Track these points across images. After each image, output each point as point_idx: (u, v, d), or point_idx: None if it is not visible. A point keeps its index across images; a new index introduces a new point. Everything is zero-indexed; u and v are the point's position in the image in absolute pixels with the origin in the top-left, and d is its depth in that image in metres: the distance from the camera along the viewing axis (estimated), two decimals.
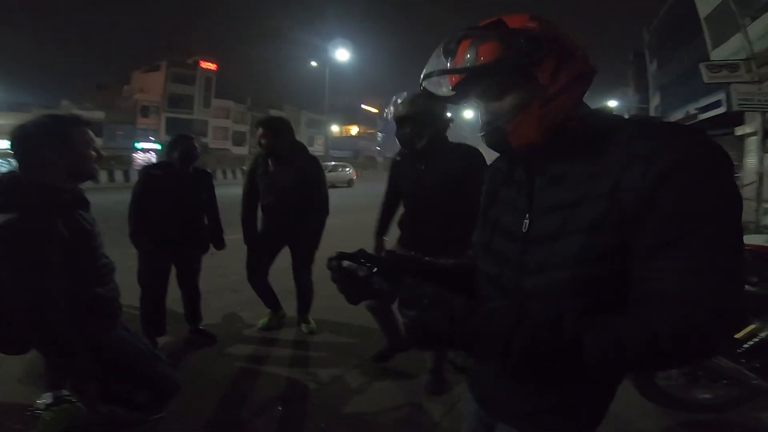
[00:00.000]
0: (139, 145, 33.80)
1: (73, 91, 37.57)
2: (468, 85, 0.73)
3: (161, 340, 2.77)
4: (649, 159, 0.65)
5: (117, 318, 1.63)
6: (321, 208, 2.93)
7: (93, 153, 1.52)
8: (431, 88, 0.77)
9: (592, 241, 0.68)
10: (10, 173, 1.43)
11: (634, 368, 0.71)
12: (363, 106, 52.90)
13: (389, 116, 2.14)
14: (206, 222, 2.88)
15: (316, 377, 2.45)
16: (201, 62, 39.00)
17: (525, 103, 0.71)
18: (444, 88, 0.75)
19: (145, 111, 36.21)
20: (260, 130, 2.84)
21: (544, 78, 0.69)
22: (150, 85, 37.29)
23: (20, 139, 1.43)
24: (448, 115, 2.16)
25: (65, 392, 1.52)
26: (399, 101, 2.11)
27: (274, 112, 34.46)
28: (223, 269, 4.45)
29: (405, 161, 2.27)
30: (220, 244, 2.95)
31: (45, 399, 1.57)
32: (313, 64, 26.87)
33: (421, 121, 2.06)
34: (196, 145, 2.81)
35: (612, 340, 0.63)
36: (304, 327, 3.08)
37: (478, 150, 2.09)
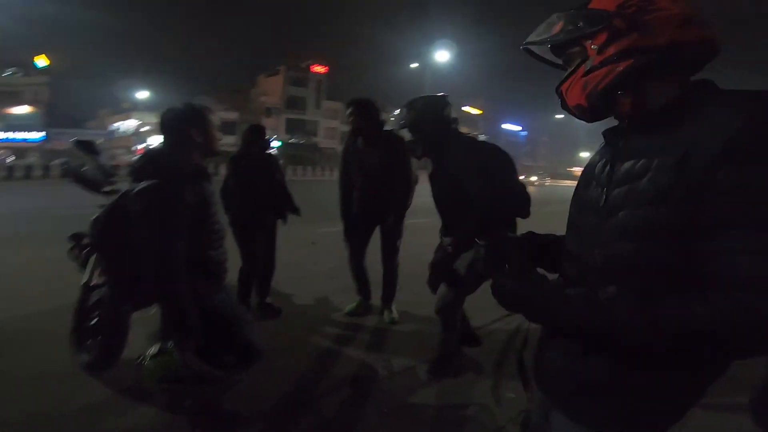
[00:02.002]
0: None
1: (213, 94, 43.51)
2: (555, 52, 0.88)
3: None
4: (718, 128, 0.65)
5: (223, 280, 1.90)
6: (405, 191, 3.05)
7: (217, 134, 1.85)
8: (536, 51, 0.91)
9: (653, 214, 0.69)
10: (155, 148, 1.78)
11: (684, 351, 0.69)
12: (464, 107, 51.84)
13: (397, 126, 2.26)
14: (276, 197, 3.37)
15: (389, 365, 2.57)
16: (313, 66, 42.25)
17: (574, 69, 0.82)
18: (545, 52, 0.91)
19: (268, 112, 40.52)
20: (349, 110, 3.03)
21: (593, 50, 0.78)
22: (272, 89, 41.64)
23: (167, 120, 1.77)
24: (447, 111, 2.16)
25: (169, 345, 1.70)
26: (392, 118, 2.20)
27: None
28: (322, 257, 4.90)
29: (434, 171, 2.29)
30: (296, 211, 3.42)
31: (152, 350, 1.76)
32: (414, 65, 27.17)
33: (416, 130, 2.15)
34: (267, 134, 3.46)
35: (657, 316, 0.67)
36: (386, 315, 3.23)
37: (486, 143, 2.23)
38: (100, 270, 2.21)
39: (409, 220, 3.00)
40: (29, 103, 33.39)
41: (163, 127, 1.79)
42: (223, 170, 3.62)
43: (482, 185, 2.04)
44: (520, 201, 2.15)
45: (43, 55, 35.10)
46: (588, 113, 0.83)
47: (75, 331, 2.37)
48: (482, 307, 2.51)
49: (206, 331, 1.74)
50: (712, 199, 0.64)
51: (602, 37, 0.76)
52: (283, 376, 2.37)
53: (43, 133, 32.90)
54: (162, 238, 1.61)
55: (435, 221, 2.43)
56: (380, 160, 3.00)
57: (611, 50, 0.75)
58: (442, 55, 23.44)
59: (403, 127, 2.20)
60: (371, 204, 3.11)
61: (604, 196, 0.79)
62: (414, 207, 3.15)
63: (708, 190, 0.64)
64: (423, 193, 3.04)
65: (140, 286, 1.69)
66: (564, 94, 0.85)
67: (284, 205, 3.39)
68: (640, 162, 0.74)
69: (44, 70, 35.15)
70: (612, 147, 0.84)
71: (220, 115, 34.72)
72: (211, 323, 1.78)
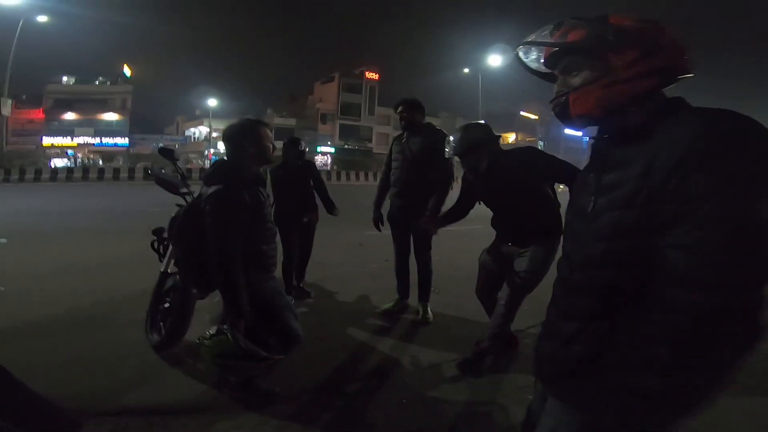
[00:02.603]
0: (320, 149, 39.43)
1: (275, 101, 45.90)
2: (555, 57, 0.91)
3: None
4: (675, 145, 0.74)
5: (272, 271, 2.17)
6: (443, 182, 3.19)
7: (270, 145, 2.13)
8: (521, 54, 0.98)
9: (623, 217, 0.80)
10: (219, 159, 2.12)
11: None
12: (522, 112, 50.25)
13: (451, 155, 2.52)
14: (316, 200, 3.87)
15: (416, 360, 2.70)
16: (366, 72, 42.98)
17: (591, 81, 0.85)
18: (533, 56, 0.97)
19: (323, 118, 41.92)
20: (399, 108, 3.30)
21: (618, 64, 0.82)
22: (327, 95, 42.89)
23: (227, 134, 2.11)
24: (493, 135, 2.51)
25: (225, 327, 1.93)
26: (451, 141, 2.50)
27: (429, 119, 35.51)
28: (368, 259, 5.18)
29: (477, 180, 2.58)
30: (334, 211, 3.89)
31: (210, 330, 1.96)
32: (466, 70, 26.90)
33: (475, 151, 2.44)
34: (303, 143, 3.92)
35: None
36: (420, 313, 3.33)
37: (528, 147, 2.58)
38: (175, 260, 2.58)
39: (456, 227, 3.07)
40: (116, 111, 37.20)
41: (225, 140, 2.11)
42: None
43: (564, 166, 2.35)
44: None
45: (126, 65, 38.91)
46: (589, 122, 0.89)
47: (150, 313, 2.76)
48: (524, 311, 2.57)
49: (255, 316, 2.01)
50: (664, 201, 0.74)
51: (631, 55, 0.81)
52: (316, 363, 2.59)
53: (127, 140, 36.57)
54: (224, 235, 1.91)
55: (471, 229, 2.50)
56: (422, 145, 3.20)
57: (639, 68, 0.81)
58: (494, 60, 23.07)
59: (461, 154, 2.46)
60: (405, 190, 3.28)
61: (592, 204, 0.88)
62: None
63: (663, 195, 0.74)
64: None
65: (206, 275, 1.99)
66: (570, 102, 0.88)
67: (325, 207, 3.89)
68: (619, 173, 0.83)
69: (128, 79, 38.92)
70: (599, 157, 0.91)
71: (277, 122, 36.71)
72: (260, 309, 2.05)
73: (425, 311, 3.36)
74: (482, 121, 2.66)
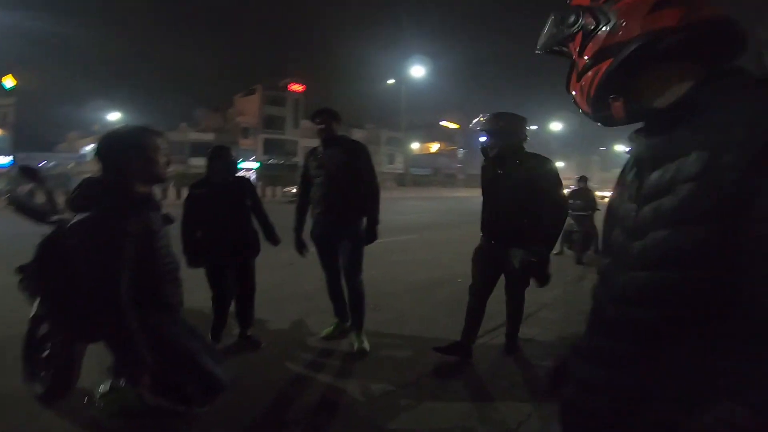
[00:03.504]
0: (243, 164, 37.51)
1: (191, 115, 42.95)
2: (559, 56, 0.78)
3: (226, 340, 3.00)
4: (751, 128, 0.52)
5: (177, 312, 1.76)
6: (373, 195, 2.96)
7: (162, 159, 1.69)
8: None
9: (676, 237, 0.57)
10: (91, 177, 1.64)
11: None
12: (442, 122, 52.83)
13: (476, 128, 2.69)
14: (255, 225, 3.08)
15: (368, 390, 2.44)
16: (290, 85, 42.25)
17: (570, 75, 0.75)
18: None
19: (245, 132, 40.19)
20: (318, 118, 3.01)
21: (575, 53, 0.71)
22: (249, 109, 41.38)
23: (102, 147, 1.64)
24: (524, 131, 2.72)
25: (122, 381, 1.62)
26: (482, 119, 2.69)
27: (354, 131, 35.89)
28: (300, 278, 4.74)
29: (488, 166, 2.77)
30: (275, 241, 3.14)
31: (102, 387, 1.69)
32: (390, 81, 27.70)
33: (496, 135, 2.65)
34: (233, 154, 3.05)
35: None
36: (355, 345, 2.94)
37: (542, 156, 2.70)
38: (40, 303, 2.07)
39: (390, 238, 2.90)
40: None
41: (99, 154, 1.64)
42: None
43: (557, 193, 2.58)
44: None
45: (10, 75, 34.00)
46: (598, 120, 0.75)
47: (26, 363, 2.24)
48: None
49: (164, 365, 1.63)
50: (749, 214, 0.50)
51: (578, 40, 0.69)
52: (255, 403, 2.24)
53: (10, 158, 31.72)
54: (102, 273, 1.48)
55: (407, 239, 2.36)
56: (346, 158, 2.94)
57: (589, 50, 0.68)
58: (417, 71, 24.02)
59: (489, 131, 2.66)
60: (333, 207, 2.95)
61: (635, 213, 0.67)
62: (395, 225, 3.06)
63: (743, 203, 0.50)
64: (407, 211, 2.98)
65: (84, 321, 1.55)
66: (575, 101, 0.77)
67: (265, 234, 3.12)
68: (663, 173, 0.62)
69: (11, 91, 34.03)
70: (637, 153, 0.72)
71: (193, 137, 34.32)
72: (170, 356, 1.66)
73: (360, 341, 2.96)
74: (521, 116, 2.74)
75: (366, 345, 2.96)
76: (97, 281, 1.47)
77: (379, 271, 4.07)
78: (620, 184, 0.77)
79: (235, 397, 2.15)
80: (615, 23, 0.65)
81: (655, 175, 0.64)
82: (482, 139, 2.72)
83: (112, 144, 1.65)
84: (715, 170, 0.53)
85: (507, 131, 2.64)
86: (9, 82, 33.17)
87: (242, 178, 3.18)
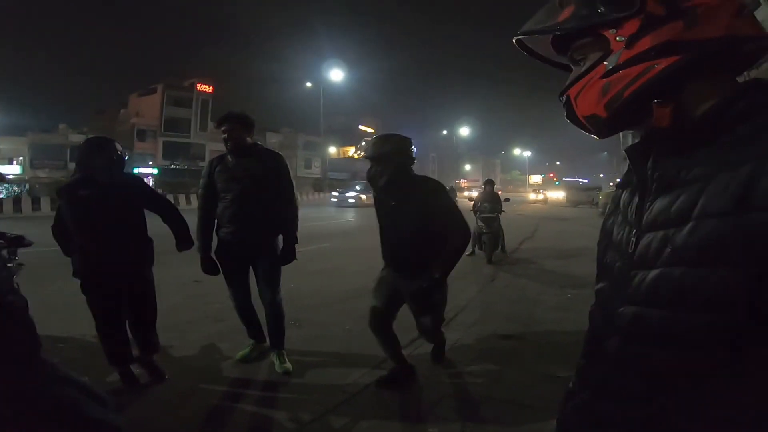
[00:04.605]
0: (137, 170, 33.72)
1: (72, 115, 37.60)
2: (559, 44, 0.68)
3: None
4: None
5: (36, 360, 1.42)
6: (291, 210, 2.74)
7: None
8: (528, 43, 0.71)
9: (698, 279, 0.50)
10: None
11: None
12: (360, 126, 53.36)
13: (362, 157, 2.30)
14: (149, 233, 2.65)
15: (296, 416, 2.25)
16: (197, 85, 39.30)
17: (590, 68, 0.62)
18: (542, 46, 0.71)
19: (141, 135, 36.26)
20: (225, 125, 2.65)
21: (617, 41, 0.59)
22: (146, 109, 37.49)
23: None
24: (412, 153, 2.46)
25: None
26: (364, 144, 2.33)
27: (270, 135, 34.49)
28: (210, 297, 4.24)
29: (381, 198, 2.51)
30: (185, 244, 2.69)
31: None
32: (308, 84, 27.25)
33: (382, 162, 2.36)
34: (119, 148, 2.57)
35: None
36: (277, 366, 2.73)
37: (435, 180, 2.55)
38: None
39: (308, 247, 2.71)
40: None
41: None
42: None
43: (458, 218, 2.37)
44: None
45: None
46: (605, 126, 0.64)
47: None
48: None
49: (39, 427, 1.28)
50: None
51: (633, 26, 0.57)
52: None
53: None
54: None
55: (320, 248, 2.24)
56: (263, 171, 2.67)
57: (647, 43, 0.57)
58: (336, 75, 23.94)
59: (371, 158, 2.41)
60: (248, 224, 2.67)
61: (634, 240, 0.60)
62: (314, 232, 2.87)
63: None
64: (325, 217, 2.81)
65: None
66: (573, 101, 0.65)
67: (177, 236, 2.69)
68: (678, 198, 0.54)
69: None
70: (639, 171, 0.63)
71: (74, 139, 29.93)
72: (42, 416, 1.31)
73: (282, 361, 2.74)
74: (406, 137, 2.52)
75: (289, 365, 2.74)
76: None
77: (297, 283, 3.85)
78: (614, 202, 0.71)
79: None
80: (693, 20, 0.55)
81: (663, 201, 0.56)
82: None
83: None
84: (747, 202, 0.46)
85: (394, 155, 2.36)
86: None
87: (134, 176, 2.70)
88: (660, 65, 0.56)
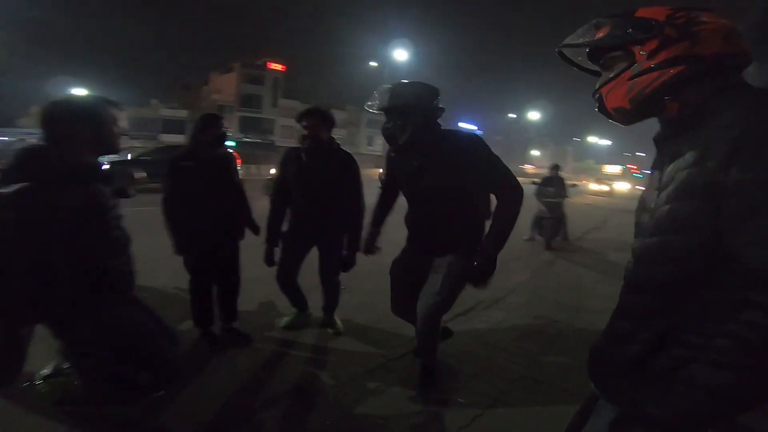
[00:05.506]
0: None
1: (162, 91, 41.17)
2: (593, 55, 0.96)
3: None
4: (727, 128, 0.73)
5: (128, 291, 1.67)
6: (357, 217, 2.74)
7: (116, 129, 1.63)
8: (568, 54, 1.00)
9: (679, 210, 0.78)
10: (30, 146, 1.53)
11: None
12: None
13: (372, 109, 1.99)
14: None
15: (335, 374, 2.42)
16: (269, 63, 41.08)
17: (619, 73, 0.88)
18: (577, 56, 1.00)
19: (221, 110, 38.94)
20: (305, 121, 2.57)
21: (642, 55, 0.84)
22: (225, 86, 40.11)
23: (48, 115, 1.52)
24: (438, 103, 2.00)
25: (66, 365, 1.54)
26: (377, 93, 1.99)
27: (336, 112, 35.17)
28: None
29: (400, 159, 2.13)
30: (254, 229, 2.82)
31: (45, 370, 1.61)
32: (373, 64, 27.20)
33: (403, 113, 1.92)
34: (224, 125, 2.66)
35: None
36: (329, 324, 2.98)
37: (470, 133, 2.09)
38: None
39: (366, 220, 2.79)
40: None
41: (43, 122, 1.52)
42: None
43: (507, 175, 1.91)
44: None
45: None
46: (629, 115, 0.90)
47: None
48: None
49: (112, 347, 1.56)
50: (727, 193, 0.71)
51: (653, 44, 0.83)
52: (219, 391, 2.17)
53: None
54: (35, 250, 1.38)
55: (391, 219, 2.32)
56: (333, 176, 2.64)
57: (662, 56, 0.82)
58: (400, 54, 23.67)
59: (386, 109, 1.96)
60: (315, 223, 2.72)
61: (656, 198, 0.87)
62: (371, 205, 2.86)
63: (723, 185, 0.71)
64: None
65: (23, 301, 1.46)
66: (604, 96, 0.91)
67: (243, 220, 2.80)
68: (674, 165, 0.82)
69: None
70: (660, 152, 0.91)
71: (165, 113, 32.89)
72: (118, 338, 1.58)
73: (334, 324, 2.97)
74: (431, 85, 2.04)
75: (340, 326, 2.97)
76: (31, 257, 1.38)
77: None
78: (649, 178, 0.94)
79: (200, 384, 2.14)
80: (696, 40, 0.80)
81: (670, 168, 0.84)
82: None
83: (59, 112, 1.54)
84: (703, 159, 0.74)
85: (415, 106, 1.93)
86: None
87: (229, 152, 2.80)
88: (671, 72, 0.81)
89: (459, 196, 1.96)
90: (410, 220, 2.20)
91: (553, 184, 7.33)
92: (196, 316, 2.72)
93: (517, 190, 1.92)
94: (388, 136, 2.00)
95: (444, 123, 2.06)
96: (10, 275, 1.39)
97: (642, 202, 0.94)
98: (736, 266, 0.72)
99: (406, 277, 2.24)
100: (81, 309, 1.48)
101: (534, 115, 59.94)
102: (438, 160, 1.94)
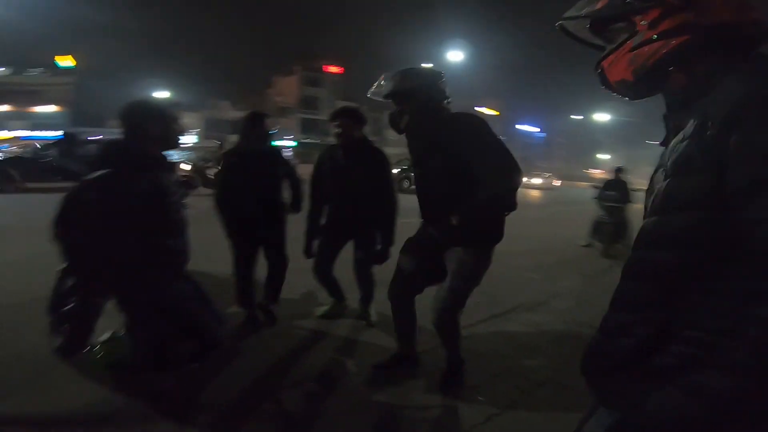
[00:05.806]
0: (280, 143, 38.28)
1: (231, 94, 44.31)
2: (595, 27, 0.89)
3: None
4: (727, 98, 0.67)
5: (181, 268, 1.89)
6: (390, 215, 2.81)
7: (178, 128, 1.90)
8: (570, 27, 0.93)
9: (680, 185, 0.71)
10: (112, 139, 1.85)
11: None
12: (477, 108, 51.21)
13: (376, 96, 2.02)
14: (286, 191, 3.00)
15: (360, 363, 2.49)
16: (326, 66, 42.54)
17: (620, 44, 0.82)
18: (581, 31, 0.93)
19: (283, 112, 40.97)
20: (338, 121, 2.73)
21: (641, 24, 0.79)
22: (286, 89, 42.13)
23: (125, 113, 1.82)
24: (442, 87, 2.01)
25: (122, 332, 1.77)
26: (382, 80, 2.01)
27: (388, 113, 35.53)
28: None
29: (408, 144, 2.12)
30: (297, 207, 3.06)
31: (104, 336, 1.84)
32: (427, 65, 27.12)
33: (404, 100, 1.97)
34: (268, 123, 2.86)
35: None
36: (365, 314, 3.08)
37: (473, 115, 2.05)
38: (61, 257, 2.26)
39: (406, 219, 2.83)
40: (55, 103, 34.43)
41: (123, 118, 1.83)
42: None
43: (503, 153, 1.86)
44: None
45: (70, 56, 36.23)
46: (632, 89, 0.84)
47: (51, 315, 2.41)
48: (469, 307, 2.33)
49: (164, 319, 1.77)
50: (729, 165, 0.64)
51: (654, 13, 0.77)
52: (248, 369, 2.33)
53: (60, 132, 33.97)
54: (111, 226, 1.64)
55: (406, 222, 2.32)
56: (367, 172, 2.75)
57: (664, 26, 0.76)
58: (455, 55, 23.37)
59: (389, 95, 1.99)
60: (350, 219, 2.86)
61: (664, 174, 0.80)
62: (411, 206, 2.88)
63: (723, 157, 0.64)
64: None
65: (98, 276, 1.71)
66: (605, 69, 0.85)
67: (292, 200, 3.07)
68: (676, 138, 0.77)
69: (70, 70, 36.24)
70: (666, 128, 0.85)
71: (233, 115, 35.23)
72: (168, 313, 1.79)
73: (369, 315, 3.05)
74: (436, 70, 2.08)
75: (374, 316, 3.05)
76: (110, 235, 1.63)
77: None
78: (660, 161, 0.87)
79: (230, 362, 2.29)
80: (701, 9, 0.73)
81: (672, 142, 0.79)
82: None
83: (135, 110, 1.83)
84: (702, 129, 0.69)
85: (418, 91, 1.94)
86: (66, 62, 35.31)
87: (274, 147, 3.01)
88: (674, 42, 0.75)
89: (462, 179, 1.89)
90: (419, 205, 2.19)
91: (616, 188, 6.88)
92: (239, 296, 2.94)
93: (507, 172, 1.84)
94: (391, 123, 2.04)
95: (504, 125, 2.04)
96: (91, 250, 1.64)
97: (652, 184, 0.85)
98: (744, 250, 0.63)
99: (413, 262, 2.19)
100: (143, 281, 1.71)
101: (602, 117, 56.11)
102: (437, 144, 1.93)
